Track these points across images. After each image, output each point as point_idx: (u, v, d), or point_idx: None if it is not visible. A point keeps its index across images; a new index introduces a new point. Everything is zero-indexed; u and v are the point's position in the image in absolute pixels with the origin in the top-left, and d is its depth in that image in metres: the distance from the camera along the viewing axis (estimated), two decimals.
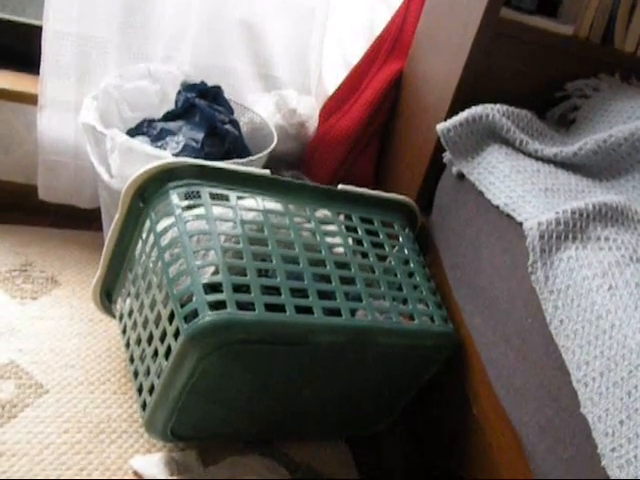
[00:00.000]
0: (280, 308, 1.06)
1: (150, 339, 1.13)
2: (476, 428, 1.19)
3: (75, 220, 1.75)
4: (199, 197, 1.15)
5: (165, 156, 1.34)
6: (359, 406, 1.33)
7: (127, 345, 1.25)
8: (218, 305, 1.01)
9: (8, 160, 1.74)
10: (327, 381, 1.21)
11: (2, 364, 1.30)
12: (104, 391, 1.32)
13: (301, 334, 1.08)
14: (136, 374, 1.19)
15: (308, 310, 1.09)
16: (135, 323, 1.21)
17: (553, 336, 0.99)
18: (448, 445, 1.31)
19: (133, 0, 1.56)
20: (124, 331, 1.27)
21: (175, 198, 1.14)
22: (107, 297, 1.33)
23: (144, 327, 1.17)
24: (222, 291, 1.03)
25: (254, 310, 1.03)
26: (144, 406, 1.14)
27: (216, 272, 1.08)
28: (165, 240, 1.12)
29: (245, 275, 1.07)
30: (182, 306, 1.03)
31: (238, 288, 1.05)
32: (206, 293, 1.02)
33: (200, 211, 1.13)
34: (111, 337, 1.45)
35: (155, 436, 1.18)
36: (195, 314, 1.00)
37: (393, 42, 1.66)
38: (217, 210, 1.15)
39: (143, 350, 1.16)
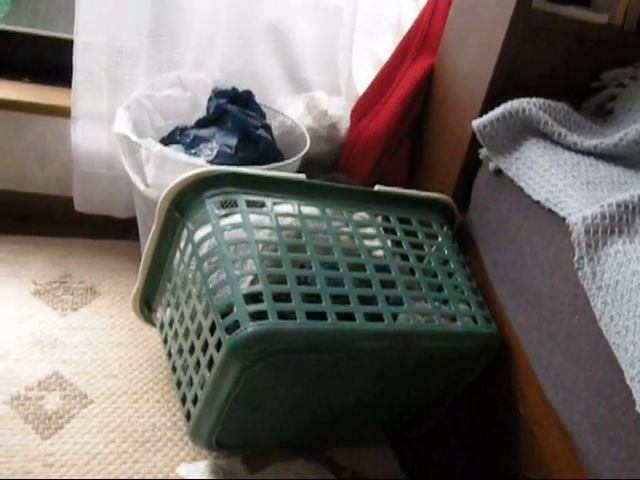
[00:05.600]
0: (321, 315, 1.05)
1: (192, 350, 1.12)
2: (524, 427, 1.17)
3: (111, 230, 1.76)
4: (235, 205, 1.15)
5: (200, 164, 1.34)
6: (403, 408, 1.31)
7: (169, 355, 1.25)
8: (259, 315, 1.00)
9: (43, 173, 1.76)
10: (370, 386, 1.20)
11: (47, 376, 1.32)
12: (148, 400, 1.32)
13: (343, 342, 1.06)
14: (179, 384, 1.19)
15: (350, 316, 1.07)
16: (176, 333, 1.21)
17: (603, 333, 0.96)
18: (495, 445, 1.29)
19: (161, 9, 1.56)
20: (165, 341, 1.27)
21: (211, 207, 1.13)
22: (147, 306, 1.34)
23: (185, 338, 1.17)
24: (263, 301, 1.02)
25: (295, 319, 1.02)
26: (188, 416, 1.14)
27: (255, 281, 1.07)
28: (203, 250, 1.12)
29: (285, 283, 1.06)
30: (223, 317, 1.02)
31: (278, 297, 1.04)
32: (247, 303, 1.01)
33: (237, 219, 1.13)
34: (152, 346, 1.45)
35: (200, 446, 1.19)
36: (237, 325, 0.99)
37: (422, 38, 1.63)
38: (254, 217, 1.14)
39: (185, 360, 1.16)
